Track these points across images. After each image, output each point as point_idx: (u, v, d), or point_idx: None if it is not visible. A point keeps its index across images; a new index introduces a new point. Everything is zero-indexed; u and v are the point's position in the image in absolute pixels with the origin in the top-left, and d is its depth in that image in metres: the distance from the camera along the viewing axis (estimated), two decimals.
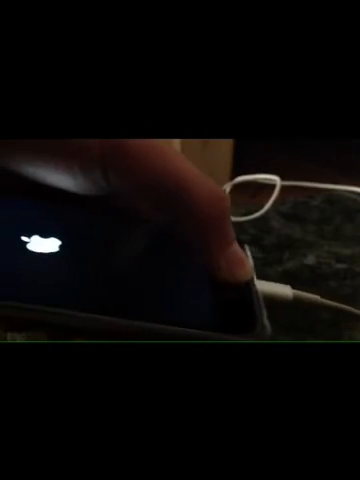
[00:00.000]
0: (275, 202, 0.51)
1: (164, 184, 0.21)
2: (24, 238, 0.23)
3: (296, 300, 0.27)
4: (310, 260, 0.41)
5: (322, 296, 0.28)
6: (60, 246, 0.23)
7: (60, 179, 0.22)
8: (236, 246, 0.23)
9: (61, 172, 0.22)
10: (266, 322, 0.21)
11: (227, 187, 0.56)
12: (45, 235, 0.23)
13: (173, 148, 0.22)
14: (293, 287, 0.27)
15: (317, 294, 0.28)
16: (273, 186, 0.54)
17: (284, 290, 0.27)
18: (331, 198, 0.53)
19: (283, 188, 0.54)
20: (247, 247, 0.26)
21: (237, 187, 0.57)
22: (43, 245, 0.23)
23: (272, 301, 0.25)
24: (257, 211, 0.49)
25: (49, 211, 0.25)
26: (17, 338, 0.28)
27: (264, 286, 0.25)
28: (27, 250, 0.22)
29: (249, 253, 0.25)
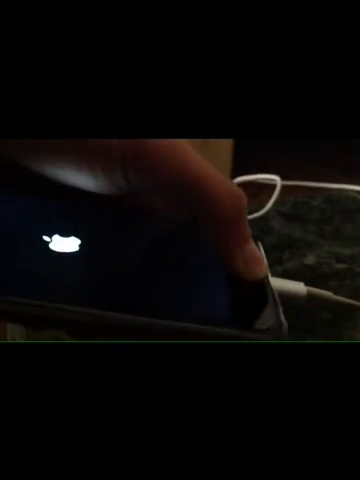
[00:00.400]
0: (275, 202, 0.51)
1: (183, 183, 0.21)
2: (44, 237, 0.23)
3: (309, 297, 0.27)
4: (310, 260, 0.41)
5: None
6: (79, 245, 0.23)
7: (81, 180, 0.23)
8: (252, 244, 0.23)
9: (83, 173, 0.22)
10: (283, 319, 0.21)
11: None
12: (64, 234, 0.23)
13: (190, 147, 0.22)
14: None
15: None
16: (273, 186, 0.54)
17: (298, 287, 0.27)
18: (331, 198, 0.53)
19: (283, 188, 0.53)
20: (260, 244, 0.26)
21: (238, 187, 0.56)
22: (63, 244, 0.23)
23: (286, 298, 0.25)
24: (257, 211, 0.49)
25: (68, 210, 0.25)
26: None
27: (278, 283, 0.25)
28: (48, 249, 0.22)
29: (262, 250, 0.25)
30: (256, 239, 0.25)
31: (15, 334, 0.29)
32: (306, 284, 0.29)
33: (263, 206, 0.50)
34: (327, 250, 0.43)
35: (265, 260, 0.24)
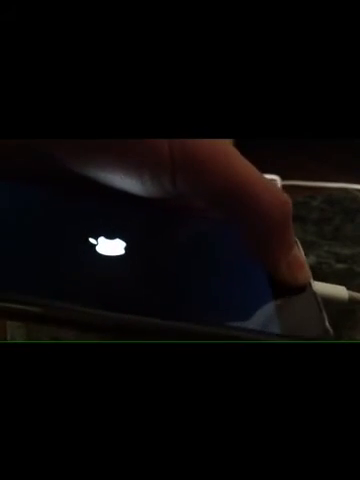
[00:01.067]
0: None
1: (230, 189, 0.21)
2: (85, 239, 0.22)
3: (351, 301, 0.27)
4: (310, 260, 0.41)
5: None
6: (121, 247, 0.23)
7: (128, 183, 0.22)
8: (296, 249, 0.23)
9: (130, 177, 0.22)
10: (328, 326, 0.21)
11: None
12: (107, 236, 0.23)
13: (237, 151, 0.22)
14: None
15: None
16: None
17: (340, 291, 0.27)
18: (331, 198, 0.53)
19: (283, 188, 0.53)
20: (299, 243, 0.25)
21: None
22: (104, 247, 0.22)
23: (329, 303, 0.25)
24: None
25: (110, 211, 0.24)
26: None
27: (320, 288, 0.25)
28: (89, 251, 0.22)
29: (301, 249, 0.25)
30: (295, 238, 0.24)
31: (15, 334, 0.29)
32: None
33: None
34: (327, 250, 0.43)
35: (306, 262, 0.24)
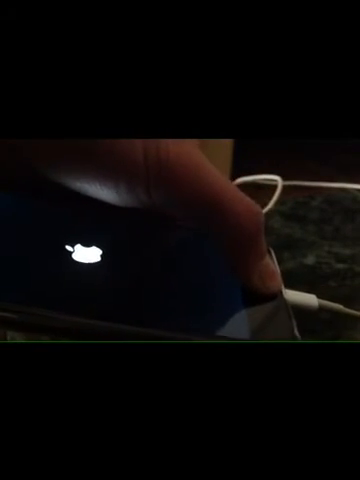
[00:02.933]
0: (275, 202, 0.51)
1: (203, 200, 0.22)
2: (60, 246, 0.23)
3: (321, 309, 0.28)
4: (310, 260, 0.41)
5: (319, 296, 0.28)
6: (97, 255, 0.23)
7: (104, 193, 0.23)
8: (268, 258, 0.24)
9: (106, 188, 0.22)
10: (297, 333, 0.22)
11: None
12: (83, 244, 0.23)
13: (210, 163, 0.22)
14: (294, 288, 0.27)
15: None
16: (274, 186, 0.54)
17: (310, 300, 0.27)
18: (331, 198, 0.53)
19: (284, 188, 0.53)
20: (272, 253, 0.26)
21: (238, 187, 0.56)
22: (81, 254, 0.23)
23: (298, 310, 0.25)
24: None
25: (87, 219, 0.25)
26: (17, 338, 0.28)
27: (291, 296, 0.25)
28: (64, 258, 0.22)
29: (275, 259, 0.26)
30: (268, 247, 0.25)
31: (15, 334, 0.29)
32: (306, 284, 0.29)
33: (263, 206, 0.50)
34: (327, 250, 0.43)
35: (278, 270, 0.24)
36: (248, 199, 0.23)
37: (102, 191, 0.23)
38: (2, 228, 0.23)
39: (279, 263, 0.28)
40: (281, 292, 0.24)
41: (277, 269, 0.25)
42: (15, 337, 0.29)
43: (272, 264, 0.24)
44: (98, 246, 0.23)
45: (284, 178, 0.55)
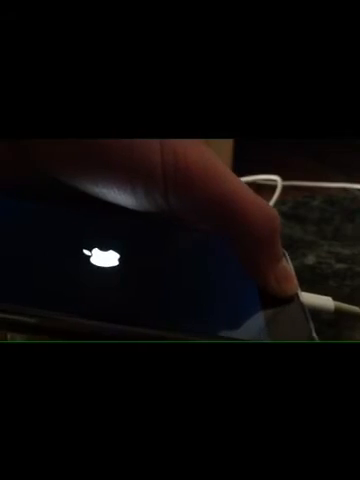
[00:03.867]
0: (275, 202, 0.51)
1: (221, 205, 0.22)
2: (79, 250, 0.23)
3: (337, 312, 0.28)
4: (310, 260, 0.41)
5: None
6: (115, 259, 0.23)
7: (121, 198, 0.23)
8: (284, 261, 0.24)
9: (124, 192, 0.23)
10: (315, 336, 0.22)
11: None
12: (101, 248, 0.23)
13: (227, 167, 0.23)
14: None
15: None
16: (274, 186, 0.54)
17: (326, 302, 0.27)
18: (331, 198, 0.53)
19: (284, 188, 0.54)
20: (287, 255, 0.26)
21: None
22: (99, 258, 0.23)
23: (314, 313, 0.25)
24: None
25: (104, 223, 0.25)
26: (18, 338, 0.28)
27: (306, 298, 0.26)
28: (81, 262, 0.22)
29: (290, 261, 0.26)
30: (283, 250, 0.25)
31: (15, 334, 0.29)
32: (306, 284, 0.29)
33: None
34: (327, 250, 0.43)
35: (294, 274, 0.24)
36: (265, 203, 0.23)
37: (120, 196, 0.23)
38: (19, 234, 0.23)
39: None
40: (297, 294, 0.24)
41: (292, 271, 0.25)
42: (15, 337, 0.29)
43: (288, 267, 0.24)
44: (115, 250, 0.23)
45: (284, 178, 0.55)
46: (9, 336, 0.30)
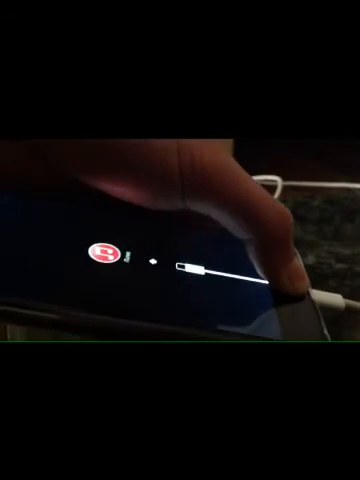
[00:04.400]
0: None
1: (235, 205, 0.22)
2: (87, 246, 0.23)
3: (348, 310, 0.28)
4: (310, 260, 0.41)
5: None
6: (126, 255, 0.23)
7: (139, 198, 0.23)
8: (296, 260, 0.24)
9: (141, 193, 0.23)
10: (327, 334, 0.22)
11: None
12: (112, 243, 0.23)
13: (241, 168, 0.23)
14: None
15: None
16: (274, 187, 0.54)
17: (336, 300, 0.28)
18: (331, 198, 0.52)
19: (284, 188, 0.53)
20: (298, 254, 0.26)
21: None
22: (110, 254, 0.23)
23: (325, 311, 0.25)
24: None
25: (112, 219, 0.25)
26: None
27: (317, 296, 0.26)
28: (90, 259, 0.22)
29: (300, 260, 0.26)
30: (295, 249, 0.25)
31: (15, 334, 0.29)
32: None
33: None
34: (327, 250, 0.43)
35: (305, 272, 0.25)
36: (278, 203, 0.23)
37: (137, 195, 0.23)
38: (31, 231, 0.23)
39: None
40: (309, 293, 0.25)
41: (303, 269, 0.25)
42: (15, 337, 0.29)
43: (300, 265, 0.25)
44: (129, 249, 0.23)
45: (284, 178, 0.55)
46: (9, 336, 0.30)
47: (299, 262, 0.25)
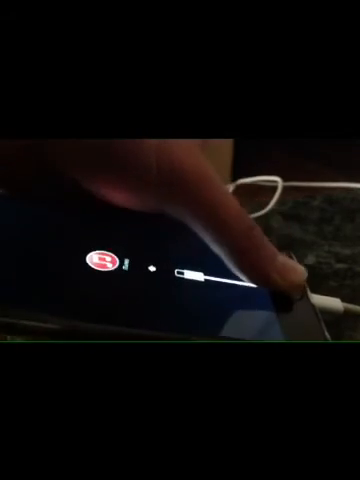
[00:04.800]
0: (275, 202, 0.51)
1: (209, 212, 0.23)
2: (84, 253, 0.23)
3: (347, 313, 0.28)
4: (310, 260, 0.41)
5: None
6: (125, 263, 0.23)
7: (118, 198, 0.24)
8: (282, 257, 0.24)
9: (120, 192, 0.23)
10: (328, 336, 0.22)
11: (229, 189, 0.56)
12: (95, 248, 0.23)
13: (217, 175, 0.23)
14: None
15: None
16: (274, 187, 0.54)
17: (335, 303, 0.28)
18: (331, 198, 0.53)
19: (284, 188, 0.53)
20: (293, 255, 0.26)
21: (239, 188, 0.56)
22: (108, 262, 0.23)
23: (324, 314, 0.26)
24: (258, 211, 0.49)
25: (115, 227, 0.25)
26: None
27: (316, 300, 0.26)
28: (89, 267, 0.22)
29: (294, 257, 0.26)
30: (288, 252, 0.26)
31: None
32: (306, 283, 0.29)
33: (264, 206, 0.50)
34: (327, 250, 0.43)
35: (301, 267, 0.25)
36: (242, 212, 0.23)
37: (116, 195, 0.23)
38: (26, 238, 0.23)
39: None
40: (308, 296, 0.25)
41: (296, 264, 0.25)
42: (15, 337, 0.29)
43: (290, 260, 0.25)
44: (126, 255, 0.23)
45: (284, 179, 0.55)
46: (9, 336, 0.30)
47: (286, 257, 0.25)
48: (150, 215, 0.24)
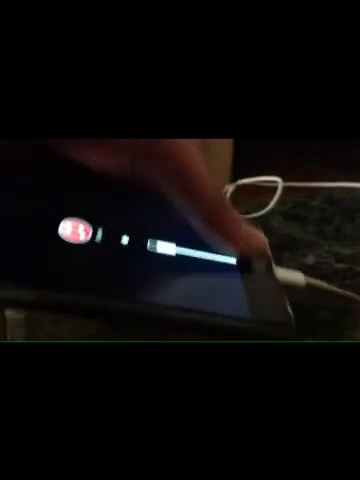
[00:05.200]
0: (276, 202, 0.51)
1: (178, 177, 0.24)
2: (57, 221, 0.23)
3: (308, 287, 0.28)
4: (310, 260, 0.41)
5: (320, 295, 0.29)
6: (98, 232, 0.23)
7: (93, 160, 0.24)
8: (246, 225, 0.26)
9: (95, 155, 0.23)
10: (290, 310, 0.23)
11: (229, 189, 0.56)
12: (76, 220, 0.23)
13: (196, 151, 0.24)
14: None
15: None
16: (274, 188, 0.54)
17: (297, 277, 0.28)
18: (331, 198, 0.52)
19: (284, 188, 0.53)
20: (260, 228, 0.27)
21: (239, 189, 0.56)
22: (76, 231, 0.23)
23: (286, 287, 0.26)
24: (258, 211, 0.49)
25: (88, 193, 0.25)
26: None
27: (279, 273, 0.27)
28: (57, 237, 0.22)
29: (261, 230, 0.27)
30: (257, 226, 0.26)
31: (15, 334, 0.29)
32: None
33: (264, 206, 0.50)
34: (327, 250, 0.43)
35: (263, 235, 0.26)
36: (215, 188, 0.24)
37: (89, 155, 0.23)
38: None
39: (279, 263, 0.28)
40: (273, 271, 0.26)
41: (262, 234, 0.26)
42: (15, 337, 0.29)
43: (254, 229, 0.26)
44: (99, 224, 0.23)
45: (284, 179, 0.55)
46: (9, 336, 0.30)
47: (251, 226, 0.26)
48: (125, 183, 0.24)
